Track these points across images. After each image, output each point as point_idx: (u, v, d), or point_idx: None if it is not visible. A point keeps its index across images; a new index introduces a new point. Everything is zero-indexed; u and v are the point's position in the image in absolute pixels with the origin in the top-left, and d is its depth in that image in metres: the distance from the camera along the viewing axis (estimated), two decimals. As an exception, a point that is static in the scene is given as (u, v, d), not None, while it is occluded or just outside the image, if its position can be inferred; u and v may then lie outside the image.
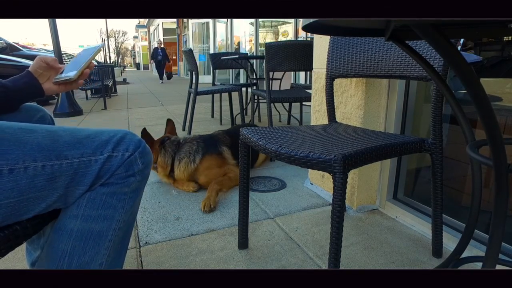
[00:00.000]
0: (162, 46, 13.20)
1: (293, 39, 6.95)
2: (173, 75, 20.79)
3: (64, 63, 5.08)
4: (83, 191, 0.64)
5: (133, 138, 0.69)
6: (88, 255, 0.65)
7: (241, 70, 6.80)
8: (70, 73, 0.87)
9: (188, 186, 1.83)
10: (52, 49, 4.61)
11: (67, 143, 0.62)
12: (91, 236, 0.65)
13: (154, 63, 13.38)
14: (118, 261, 0.73)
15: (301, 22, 0.53)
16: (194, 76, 3.17)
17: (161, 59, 12.61)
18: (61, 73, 0.89)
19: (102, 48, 0.93)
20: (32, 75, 0.85)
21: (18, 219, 0.59)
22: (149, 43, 29.14)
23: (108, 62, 22.66)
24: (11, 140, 0.56)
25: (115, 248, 0.69)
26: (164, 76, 13.63)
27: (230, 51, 9.96)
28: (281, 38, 7.79)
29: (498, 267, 0.75)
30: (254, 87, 3.80)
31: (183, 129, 3.51)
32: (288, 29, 7.40)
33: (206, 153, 1.86)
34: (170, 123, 2.04)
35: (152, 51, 13.56)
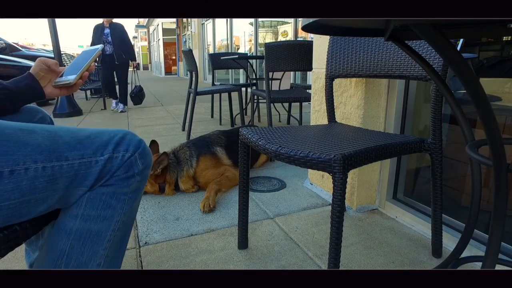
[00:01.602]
0: (113, 20, 4.89)
1: (292, 39, 6.95)
2: (172, 75, 20.02)
3: (64, 64, 5.04)
4: (83, 192, 0.63)
5: (133, 138, 0.68)
6: (86, 255, 0.64)
7: (241, 70, 6.78)
8: (69, 77, 0.86)
9: (188, 188, 1.84)
10: (52, 49, 4.60)
11: (68, 144, 0.61)
12: (90, 236, 0.64)
13: (97, 67, 5.06)
14: (117, 261, 0.73)
15: (301, 22, 0.53)
16: (194, 76, 3.17)
17: (112, 53, 4.79)
18: (61, 76, 0.89)
19: (101, 50, 0.92)
20: (33, 77, 0.84)
21: (18, 221, 0.58)
22: (149, 43, 29.06)
23: (108, 62, 22.55)
24: (12, 141, 0.56)
25: (114, 249, 0.69)
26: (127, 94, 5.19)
27: (230, 51, 9.96)
28: (280, 38, 7.79)
29: (498, 267, 0.75)
30: (254, 87, 3.79)
31: (183, 129, 3.51)
32: (287, 29, 7.40)
33: (200, 155, 1.89)
34: (155, 144, 1.97)
35: (92, 33, 4.81)
